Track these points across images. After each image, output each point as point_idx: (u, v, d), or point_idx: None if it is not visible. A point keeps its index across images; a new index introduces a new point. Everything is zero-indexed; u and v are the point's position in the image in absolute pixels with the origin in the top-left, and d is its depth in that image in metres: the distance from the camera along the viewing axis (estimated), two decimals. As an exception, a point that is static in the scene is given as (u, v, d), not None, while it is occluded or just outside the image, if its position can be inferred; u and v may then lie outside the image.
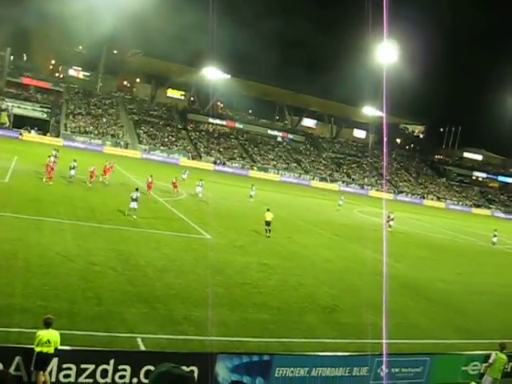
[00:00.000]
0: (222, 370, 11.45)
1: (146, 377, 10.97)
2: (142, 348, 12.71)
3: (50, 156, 37.91)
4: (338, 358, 12.95)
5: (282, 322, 16.17)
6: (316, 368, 12.30)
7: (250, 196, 46.57)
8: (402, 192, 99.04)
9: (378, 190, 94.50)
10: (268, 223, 29.92)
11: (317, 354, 13.29)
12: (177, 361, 10.88)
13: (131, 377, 10.91)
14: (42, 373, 10.14)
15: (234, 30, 70.62)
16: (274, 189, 65.12)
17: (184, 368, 9.71)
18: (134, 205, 28.27)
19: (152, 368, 10.94)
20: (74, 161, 37.77)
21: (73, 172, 37.35)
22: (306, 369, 12.20)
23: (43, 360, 10.13)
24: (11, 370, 10.09)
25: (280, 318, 16.50)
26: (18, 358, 10.20)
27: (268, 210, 30.65)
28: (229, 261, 22.83)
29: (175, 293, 17.00)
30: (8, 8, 70.76)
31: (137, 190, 29.49)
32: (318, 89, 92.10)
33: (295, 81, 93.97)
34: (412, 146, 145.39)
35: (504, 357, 13.05)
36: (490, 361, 13.00)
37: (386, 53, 72.99)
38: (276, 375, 11.94)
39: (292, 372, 12.07)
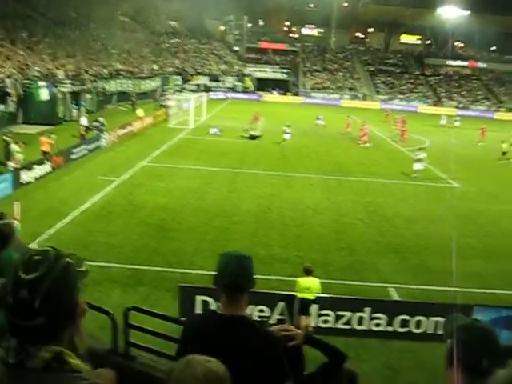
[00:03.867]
0: (478, 322, 10.93)
1: (401, 326, 11.05)
2: (396, 298, 12.79)
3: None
4: None
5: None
6: None
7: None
8: None
9: None
10: None
11: None
12: (432, 312, 10.79)
13: (386, 325, 11.08)
14: (304, 317, 10.85)
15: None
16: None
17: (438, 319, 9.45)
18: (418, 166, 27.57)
19: (407, 318, 10.99)
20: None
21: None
22: None
23: (304, 305, 10.81)
24: (276, 315, 10.99)
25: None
26: (281, 304, 11.05)
27: None
28: (480, 210, 21.62)
29: (426, 243, 16.70)
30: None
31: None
32: None
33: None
34: None
35: None
36: None
37: None
38: (542, 330, 11.04)
39: None
